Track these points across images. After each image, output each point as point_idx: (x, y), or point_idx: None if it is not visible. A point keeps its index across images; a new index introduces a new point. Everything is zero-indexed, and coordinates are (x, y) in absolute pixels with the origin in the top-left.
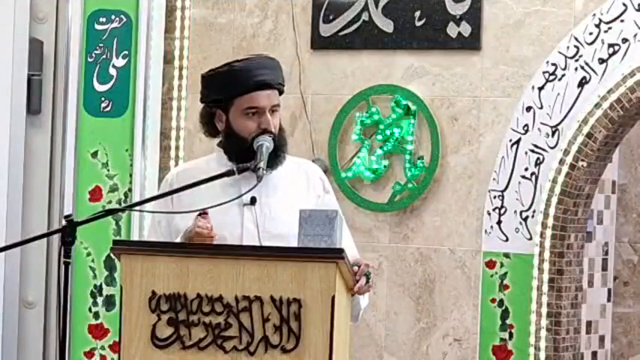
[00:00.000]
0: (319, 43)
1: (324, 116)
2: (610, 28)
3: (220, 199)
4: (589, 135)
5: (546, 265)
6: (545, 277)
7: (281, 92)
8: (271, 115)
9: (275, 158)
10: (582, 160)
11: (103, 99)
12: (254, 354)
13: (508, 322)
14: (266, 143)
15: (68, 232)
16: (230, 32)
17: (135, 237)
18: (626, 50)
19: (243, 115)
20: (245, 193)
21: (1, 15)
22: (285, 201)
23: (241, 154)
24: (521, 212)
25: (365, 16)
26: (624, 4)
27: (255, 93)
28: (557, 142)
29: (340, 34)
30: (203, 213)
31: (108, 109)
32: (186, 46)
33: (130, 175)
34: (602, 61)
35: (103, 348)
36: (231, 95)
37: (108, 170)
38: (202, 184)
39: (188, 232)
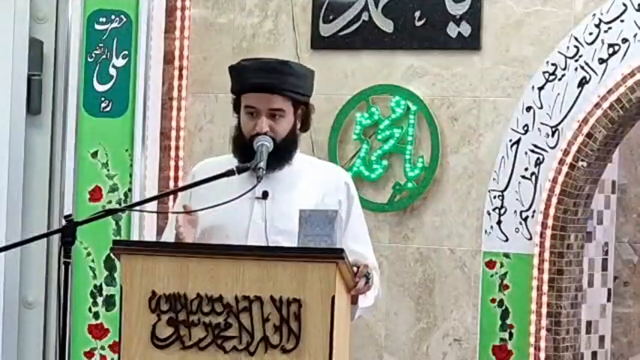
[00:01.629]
0: (319, 43)
1: (324, 116)
2: (610, 28)
3: (234, 192)
4: (589, 135)
5: (546, 265)
6: (545, 277)
7: (293, 99)
8: (272, 118)
9: (276, 161)
10: (582, 160)
11: (103, 99)
12: (254, 354)
13: (508, 322)
14: (266, 143)
15: (68, 232)
16: (230, 32)
17: (135, 237)
18: (626, 50)
19: (245, 113)
20: (244, 194)
21: (1, 15)
22: (299, 199)
23: (243, 152)
24: (521, 212)
25: (365, 16)
26: (624, 4)
27: (253, 93)
28: (557, 142)
29: (340, 34)
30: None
31: (108, 109)
32: (186, 46)
33: (130, 175)
34: (602, 61)
35: (103, 348)
36: (238, 91)
37: (108, 170)
38: (202, 184)
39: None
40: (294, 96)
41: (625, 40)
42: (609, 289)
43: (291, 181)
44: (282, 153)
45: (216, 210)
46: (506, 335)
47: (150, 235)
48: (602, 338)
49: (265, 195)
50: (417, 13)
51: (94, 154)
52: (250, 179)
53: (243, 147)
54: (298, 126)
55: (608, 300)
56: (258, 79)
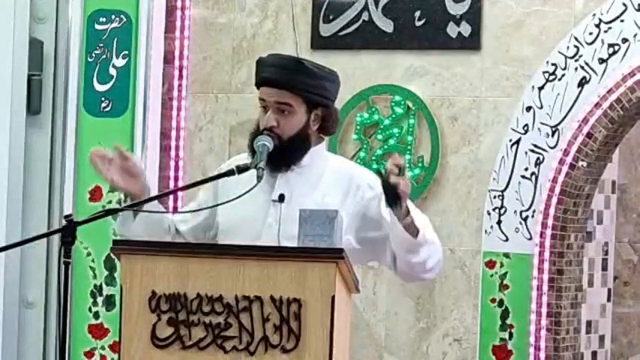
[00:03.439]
0: (319, 43)
1: None
2: (610, 28)
3: (253, 194)
4: (589, 135)
5: (546, 265)
6: (545, 277)
7: (303, 97)
8: (279, 113)
9: (281, 160)
10: (582, 160)
11: (103, 99)
12: (254, 354)
13: (508, 322)
14: (266, 143)
15: (68, 232)
16: (230, 32)
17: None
18: (626, 50)
19: (260, 107)
20: (241, 196)
21: (1, 15)
22: (317, 202)
23: (252, 149)
24: (521, 212)
25: (365, 16)
26: (624, 4)
27: (264, 87)
28: (557, 142)
29: (340, 34)
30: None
31: (108, 109)
32: (187, 46)
33: None
34: (602, 61)
35: (103, 348)
36: (256, 85)
37: None
38: (201, 184)
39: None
40: (305, 94)
41: (625, 40)
42: (609, 289)
43: (310, 184)
44: (288, 152)
45: (233, 212)
46: (506, 335)
47: None
48: (602, 338)
49: (282, 198)
50: (417, 13)
51: None
52: (266, 178)
53: (251, 144)
54: (314, 127)
55: (608, 300)
56: (269, 74)
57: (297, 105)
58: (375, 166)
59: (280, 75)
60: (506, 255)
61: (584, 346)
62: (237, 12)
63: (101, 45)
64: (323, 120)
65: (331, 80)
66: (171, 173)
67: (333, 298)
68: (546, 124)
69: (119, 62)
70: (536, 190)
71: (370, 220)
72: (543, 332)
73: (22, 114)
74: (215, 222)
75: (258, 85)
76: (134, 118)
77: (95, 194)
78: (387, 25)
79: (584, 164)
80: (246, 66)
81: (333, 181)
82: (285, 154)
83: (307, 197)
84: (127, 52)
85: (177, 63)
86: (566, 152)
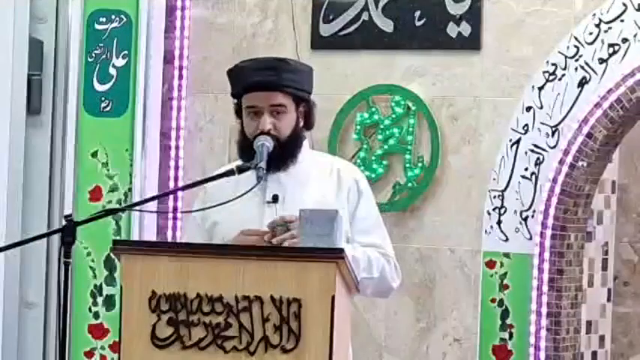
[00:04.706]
0: (319, 43)
1: (324, 116)
2: (610, 28)
3: (246, 196)
4: (589, 135)
5: (546, 265)
6: (545, 277)
7: (293, 95)
8: (274, 115)
9: (281, 160)
10: (582, 160)
11: (103, 99)
12: (254, 354)
13: (508, 322)
14: (266, 143)
15: (68, 232)
16: (230, 32)
17: (135, 237)
18: (626, 50)
19: (247, 115)
20: (240, 196)
21: (1, 15)
22: (310, 200)
23: (247, 154)
24: (521, 212)
25: (365, 16)
26: (624, 4)
27: (254, 93)
28: (557, 142)
29: (340, 34)
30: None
31: (108, 109)
32: (186, 46)
33: (130, 175)
34: (602, 61)
35: (103, 348)
36: (238, 94)
37: (108, 170)
38: (202, 184)
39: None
40: (295, 92)
41: (625, 40)
42: (609, 289)
43: (301, 182)
44: (287, 152)
45: (229, 216)
46: (506, 335)
47: (150, 235)
48: (602, 338)
49: (275, 199)
50: (417, 13)
51: (94, 154)
52: (262, 182)
53: (247, 149)
54: (301, 123)
55: (608, 300)
56: (258, 77)
57: (289, 104)
58: (374, 166)
59: (269, 77)
60: (506, 255)
61: (584, 346)
62: (237, 12)
63: (101, 45)
64: (306, 115)
65: (309, 74)
66: (171, 173)
67: (333, 298)
68: (546, 124)
69: (119, 62)
70: (536, 190)
71: (359, 220)
72: (543, 332)
73: (22, 114)
74: (207, 222)
75: (244, 91)
76: (134, 118)
77: (95, 194)
78: (387, 25)
79: (584, 164)
80: None
81: (322, 178)
82: (285, 154)
83: (299, 196)
84: (127, 52)
85: (177, 63)
86: (566, 152)
